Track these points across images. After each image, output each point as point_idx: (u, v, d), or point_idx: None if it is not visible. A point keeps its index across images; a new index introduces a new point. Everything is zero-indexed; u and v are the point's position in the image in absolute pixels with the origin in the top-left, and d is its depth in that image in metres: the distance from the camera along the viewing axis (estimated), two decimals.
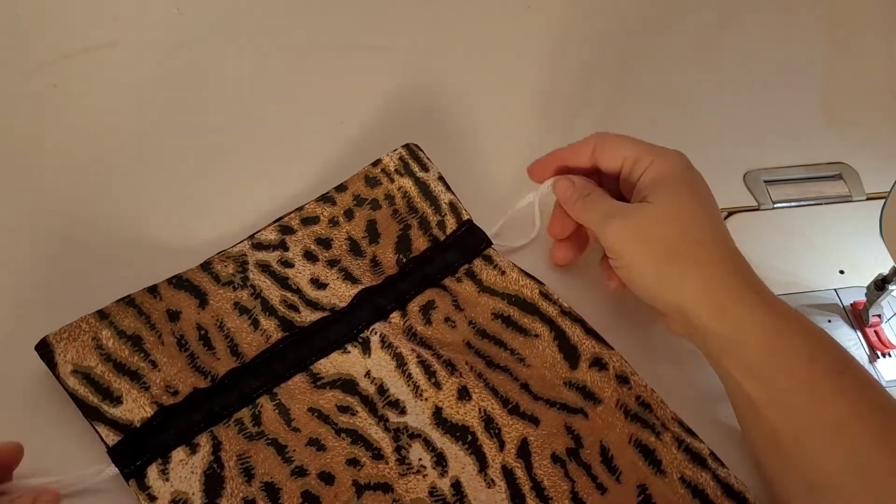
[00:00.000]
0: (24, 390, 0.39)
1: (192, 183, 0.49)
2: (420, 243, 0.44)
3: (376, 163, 0.46)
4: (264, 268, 0.42)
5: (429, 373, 0.39)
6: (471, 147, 0.53)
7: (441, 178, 0.46)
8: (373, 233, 0.44)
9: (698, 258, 0.35)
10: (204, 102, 0.53)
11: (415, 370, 0.39)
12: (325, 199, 0.45)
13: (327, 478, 0.36)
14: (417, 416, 0.38)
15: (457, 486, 0.36)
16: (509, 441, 0.37)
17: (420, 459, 0.37)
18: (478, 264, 0.44)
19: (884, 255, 0.42)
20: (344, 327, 0.41)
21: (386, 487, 0.36)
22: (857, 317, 0.47)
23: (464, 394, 0.38)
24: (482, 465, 0.37)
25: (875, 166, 0.54)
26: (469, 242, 0.44)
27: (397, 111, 0.54)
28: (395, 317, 0.41)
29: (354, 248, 0.44)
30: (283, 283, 0.42)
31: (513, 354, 0.41)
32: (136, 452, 0.35)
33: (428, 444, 0.37)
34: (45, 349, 0.37)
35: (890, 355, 0.46)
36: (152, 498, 0.34)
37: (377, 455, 0.37)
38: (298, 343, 0.40)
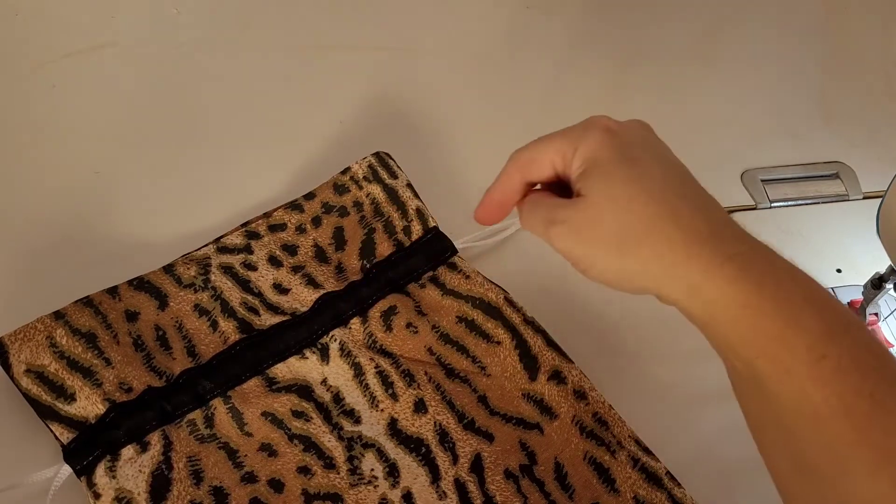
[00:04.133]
0: None
1: (191, 183, 0.49)
2: (384, 248, 0.43)
3: (345, 171, 0.46)
4: (227, 270, 0.42)
5: (386, 384, 0.39)
6: (471, 146, 0.53)
7: (409, 186, 0.45)
8: (339, 239, 0.44)
9: (652, 239, 0.31)
10: (203, 102, 0.53)
11: (372, 381, 0.39)
12: (293, 206, 0.45)
13: (277, 485, 0.36)
14: (372, 427, 0.38)
15: (408, 496, 0.36)
16: (463, 455, 0.37)
17: (372, 470, 0.37)
18: (441, 271, 0.43)
19: (881, 253, 0.42)
20: (303, 332, 0.40)
21: (336, 498, 0.36)
22: None
23: (420, 406, 0.38)
24: (434, 476, 0.37)
25: (872, 165, 0.55)
26: (434, 249, 0.44)
27: (397, 111, 0.55)
28: (356, 323, 0.41)
29: (320, 255, 0.43)
30: (245, 285, 0.41)
31: (474, 362, 0.40)
32: (88, 449, 0.35)
33: (381, 454, 0.37)
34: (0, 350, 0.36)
35: None
36: (97, 495, 0.34)
37: (329, 464, 0.37)
38: (256, 346, 0.39)
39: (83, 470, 0.35)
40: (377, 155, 0.46)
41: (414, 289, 0.43)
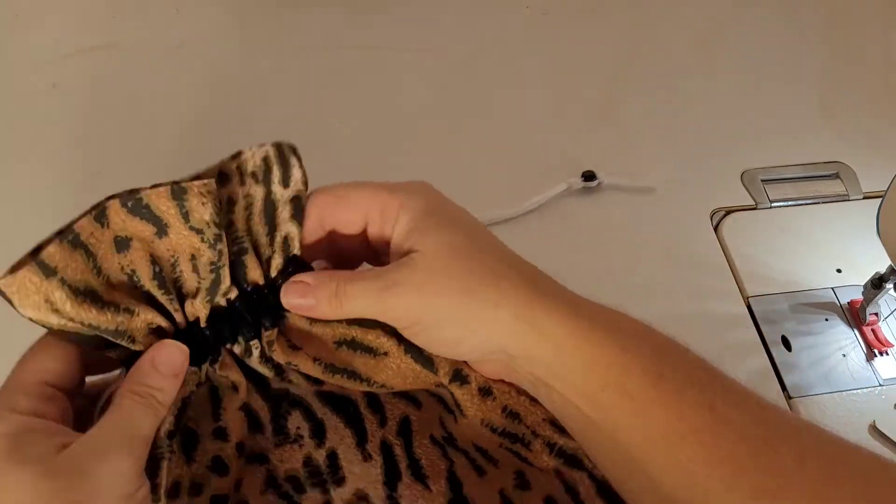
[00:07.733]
0: None
1: None
2: (255, 275, 0.34)
3: (236, 155, 0.36)
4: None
5: (309, 378, 0.34)
6: (469, 147, 0.53)
7: (295, 199, 0.34)
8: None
9: (499, 283, 0.31)
10: (203, 102, 0.53)
11: (295, 377, 0.34)
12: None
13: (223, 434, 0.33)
14: (299, 385, 0.35)
15: (332, 456, 0.35)
16: (391, 418, 0.36)
17: (298, 428, 0.35)
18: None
19: (881, 253, 0.42)
20: (226, 331, 0.33)
21: (262, 458, 0.34)
22: (855, 315, 0.47)
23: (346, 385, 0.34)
24: (361, 438, 0.35)
25: (872, 165, 0.55)
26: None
27: (396, 111, 0.55)
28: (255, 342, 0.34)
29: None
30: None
31: (370, 385, 0.34)
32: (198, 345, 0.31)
33: (308, 412, 0.35)
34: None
35: (887, 353, 0.46)
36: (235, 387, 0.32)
37: (255, 424, 0.35)
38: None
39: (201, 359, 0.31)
40: (278, 146, 0.36)
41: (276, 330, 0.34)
